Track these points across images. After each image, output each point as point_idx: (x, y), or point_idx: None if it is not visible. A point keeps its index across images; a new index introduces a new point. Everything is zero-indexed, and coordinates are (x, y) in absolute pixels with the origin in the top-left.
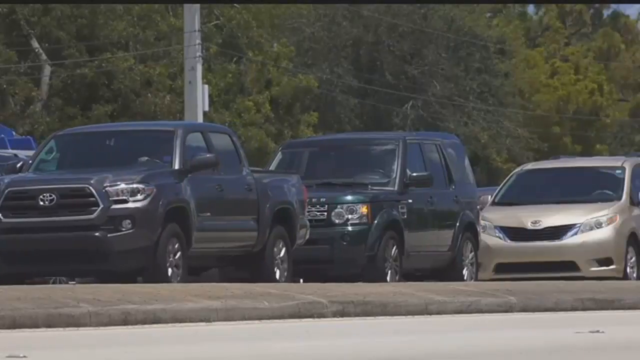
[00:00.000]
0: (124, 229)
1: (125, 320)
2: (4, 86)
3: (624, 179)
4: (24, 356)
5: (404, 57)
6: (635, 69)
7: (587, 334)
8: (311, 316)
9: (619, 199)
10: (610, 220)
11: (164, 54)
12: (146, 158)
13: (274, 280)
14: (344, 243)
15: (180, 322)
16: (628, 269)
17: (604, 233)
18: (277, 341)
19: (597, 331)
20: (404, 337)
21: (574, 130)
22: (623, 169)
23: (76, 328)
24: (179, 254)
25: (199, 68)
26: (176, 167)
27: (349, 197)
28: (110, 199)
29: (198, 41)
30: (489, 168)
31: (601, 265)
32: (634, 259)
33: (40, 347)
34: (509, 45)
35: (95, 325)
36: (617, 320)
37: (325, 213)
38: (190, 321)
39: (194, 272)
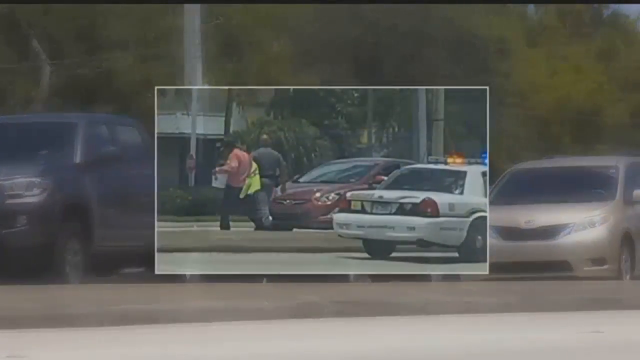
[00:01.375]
0: (18, 226)
1: (125, 320)
2: (4, 86)
3: (617, 178)
4: (24, 356)
5: (404, 57)
6: (635, 69)
7: (587, 334)
8: (311, 316)
9: (613, 198)
10: (604, 220)
11: (164, 54)
12: (46, 151)
13: (188, 280)
14: None
15: (180, 322)
16: (621, 269)
17: (598, 232)
18: (277, 341)
19: (597, 331)
20: (404, 337)
21: (574, 130)
22: (617, 168)
23: (76, 328)
24: (78, 252)
25: (199, 68)
26: (77, 160)
27: None
28: (5, 193)
29: (198, 41)
30: (489, 168)
31: (595, 265)
32: (627, 258)
33: (40, 347)
34: (509, 45)
35: (95, 325)
36: (617, 320)
37: None
38: (191, 321)
39: (103, 272)
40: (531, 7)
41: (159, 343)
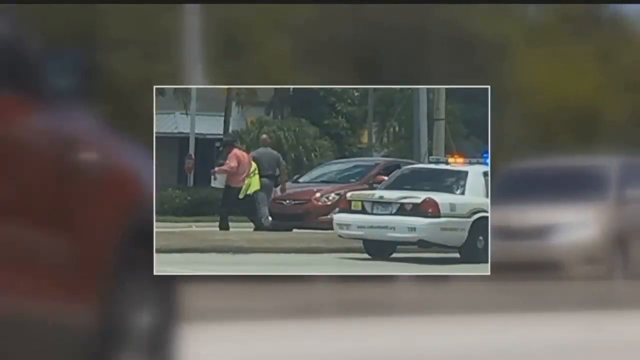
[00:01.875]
0: None
1: None
2: None
3: (610, 177)
4: None
5: (404, 57)
6: (635, 69)
7: (587, 334)
8: (311, 316)
9: (605, 198)
10: (596, 220)
11: (164, 54)
12: None
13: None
14: None
15: (180, 322)
16: (614, 269)
17: (590, 232)
18: (277, 341)
19: (597, 331)
20: (404, 337)
21: (574, 130)
22: (609, 168)
23: None
24: None
25: (199, 68)
26: None
27: None
28: None
29: (198, 41)
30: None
31: (587, 265)
32: (619, 259)
33: None
34: (509, 45)
35: None
36: (617, 320)
37: None
38: (191, 321)
39: None
40: (531, 7)
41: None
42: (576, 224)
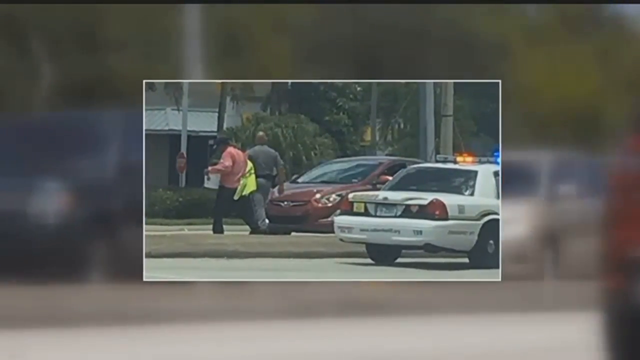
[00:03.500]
0: None
1: (126, 320)
2: (3, 86)
3: (540, 173)
4: (24, 356)
5: (404, 57)
6: (636, 69)
7: (587, 334)
8: (311, 316)
9: (536, 194)
10: (525, 217)
11: (164, 54)
12: None
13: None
14: None
15: (181, 322)
16: (544, 268)
17: (519, 230)
18: (277, 341)
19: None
20: (404, 337)
21: (573, 130)
22: (539, 162)
23: (76, 328)
24: None
25: (199, 68)
26: None
27: None
28: None
29: (198, 41)
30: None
31: (516, 263)
32: (550, 258)
33: (40, 347)
34: (508, 45)
35: (95, 325)
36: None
37: None
38: (191, 321)
39: None
40: (531, 7)
41: (159, 343)
42: (507, 221)
